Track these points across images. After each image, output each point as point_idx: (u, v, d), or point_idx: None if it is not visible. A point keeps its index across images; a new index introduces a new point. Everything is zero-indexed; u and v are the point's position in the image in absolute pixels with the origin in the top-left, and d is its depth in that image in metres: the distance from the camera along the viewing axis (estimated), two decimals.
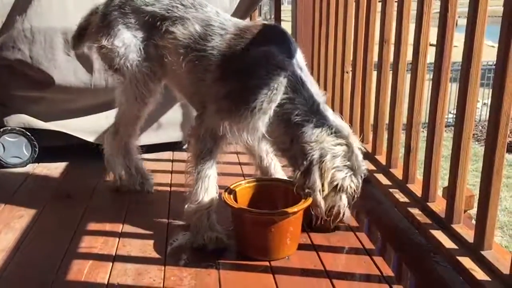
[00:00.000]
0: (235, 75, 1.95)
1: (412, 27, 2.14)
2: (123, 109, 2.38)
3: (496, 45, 1.58)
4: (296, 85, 1.91)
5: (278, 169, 2.39)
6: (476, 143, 7.78)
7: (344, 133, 1.92)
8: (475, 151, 6.94)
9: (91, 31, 2.28)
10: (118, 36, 2.16)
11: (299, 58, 1.99)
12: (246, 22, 2.13)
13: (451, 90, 3.94)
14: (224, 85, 1.95)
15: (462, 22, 1.87)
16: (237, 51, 1.96)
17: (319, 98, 1.96)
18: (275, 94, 1.89)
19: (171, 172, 2.78)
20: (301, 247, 1.99)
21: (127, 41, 2.16)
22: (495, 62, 1.61)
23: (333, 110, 2.06)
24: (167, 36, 2.09)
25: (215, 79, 1.98)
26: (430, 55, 2.04)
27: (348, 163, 1.89)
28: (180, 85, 2.26)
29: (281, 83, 1.89)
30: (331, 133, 1.89)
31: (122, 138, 2.45)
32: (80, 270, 1.86)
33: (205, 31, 2.02)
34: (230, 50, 1.97)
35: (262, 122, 1.93)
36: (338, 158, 1.88)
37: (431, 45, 2.04)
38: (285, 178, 2.33)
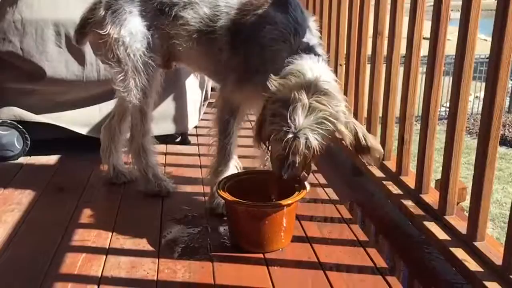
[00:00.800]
0: (241, 45, 2.02)
1: (405, 20, 2.14)
2: (121, 100, 2.35)
3: (489, 38, 1.58)
4: (288, 37, 1.91)
5: None
6: (469, 136, 7.83)
7: (298, 75, 1.75)
8: (467, 144, 6.99)
9: (95, 20, 2.22)
10: (125, 26, 2.15)
11: (298, 14, 1.96)
12: None
13: (444, 83, 3.96)
14: (235, 58, 2.03)
15: (456, 15, 1.87)
16: (241, 23, 2.02)
17: (310, 43, 1.92)
18: (269, 54, 1.92)
19: (164, 165, 2.78)
20: (295, 239, 2.00)
21: (134, 30, 2.15)
22: (487, 56, 1.61)
23: None
24: (177, 23, 2.11)
25: (228, 56, 2.06)
26: (424, 48, 2.05)
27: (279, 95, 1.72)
28: (200, 67, 2.37)
29: (274, 39, 1.92)
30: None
31: (116, 129, 2.45)
32: (73, 263, 1.85)
33: (214, 12, 2.07)
34: (235, 25, 2.03)
35: (264, 82, 1.91)
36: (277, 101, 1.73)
37: (424, 38, 2.04)
38: None
